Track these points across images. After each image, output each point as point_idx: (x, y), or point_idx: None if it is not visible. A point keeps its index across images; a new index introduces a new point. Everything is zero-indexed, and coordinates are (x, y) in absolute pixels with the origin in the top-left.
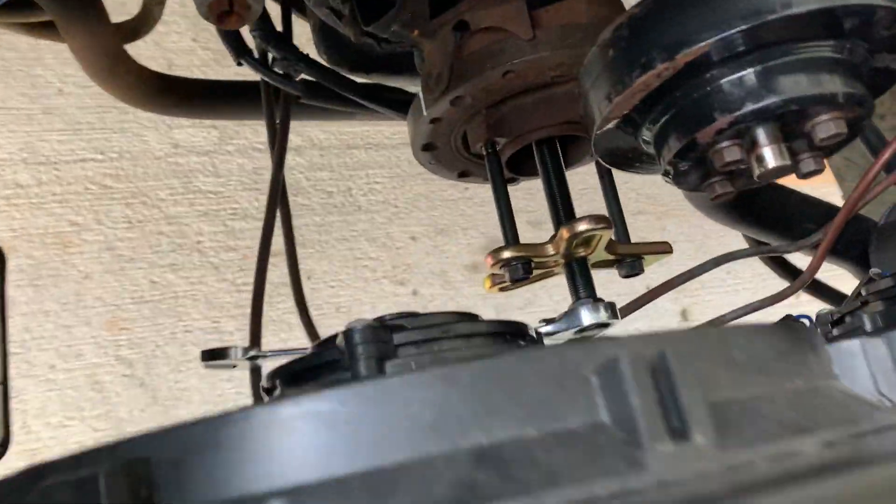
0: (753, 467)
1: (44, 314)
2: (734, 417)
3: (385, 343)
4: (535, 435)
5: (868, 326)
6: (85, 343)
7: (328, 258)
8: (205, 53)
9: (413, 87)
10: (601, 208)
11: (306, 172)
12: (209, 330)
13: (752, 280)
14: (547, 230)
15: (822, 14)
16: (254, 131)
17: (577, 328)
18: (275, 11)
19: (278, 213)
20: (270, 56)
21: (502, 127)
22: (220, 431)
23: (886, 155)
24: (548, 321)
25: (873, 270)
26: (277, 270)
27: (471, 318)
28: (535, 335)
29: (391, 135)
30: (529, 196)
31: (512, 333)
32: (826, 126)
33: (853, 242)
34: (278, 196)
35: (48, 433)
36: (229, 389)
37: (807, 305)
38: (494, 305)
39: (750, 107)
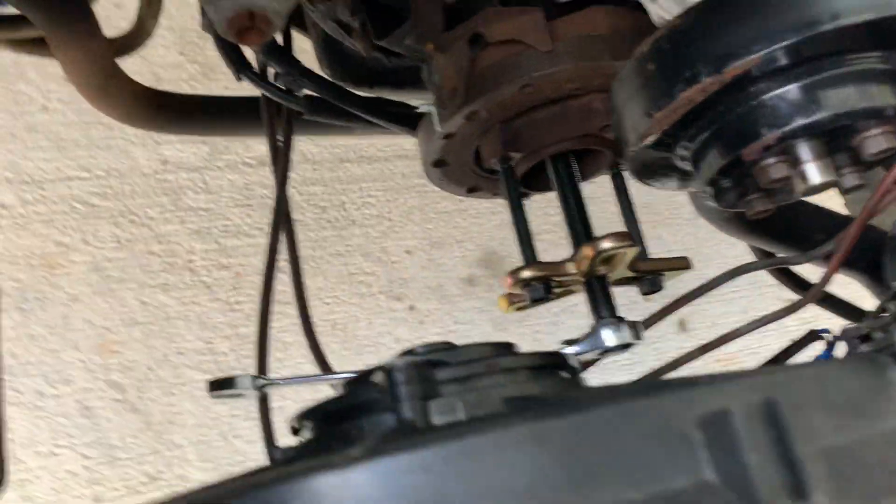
0: None
1: (30, 339)
2: (845, 468)
3: (428, 381)
4: (637, 498)
5: None
6: (74, 368)
7: (323, 274)
8: (193, 67)
9: (416, 100)
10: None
11: (299, 187)
12: (202, 351)
13: (748, 288)
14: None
15: (872, 25)
16: (245, 146)
17: (601, 349)
18: None
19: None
20: (272, 71)
21: (517, 142)
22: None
23: None
24: (570, 342)
25: None
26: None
27: (508, 348)
28: (574, 365)
29: (384, 147)
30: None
31: (554, 365)
32: (876, 141)
33: (863, 252)
34: (282, 217)
35: (37, 462)
36: (224, 412)
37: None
38: (491, 319)
39: (799, 122)
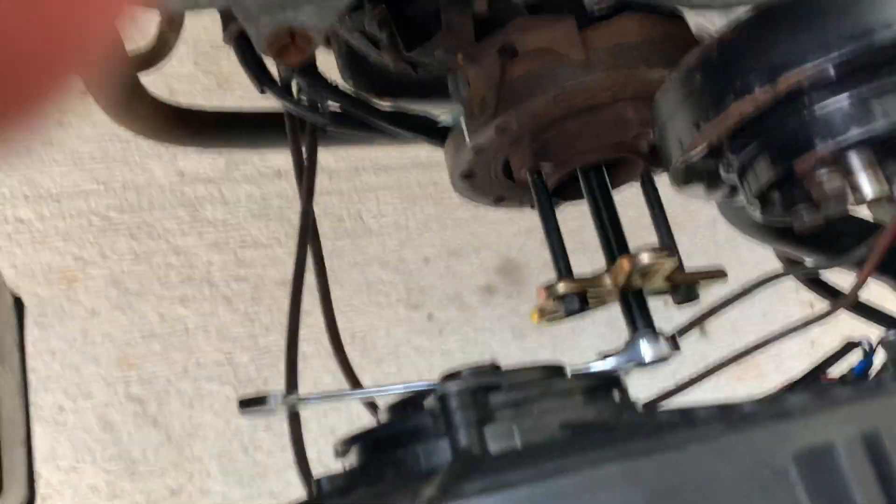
0: None
1: (50, 354)
2: None
3: (482, 407)
4: None
5: None
6: (94, 382)
7: (340, 284)
8: (207, 79)
9: (438, 110)
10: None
11: (315, 197)
12: (222, 363)
13: (768, 291)
14: None
15: None
16: (261, 157)
17: (639, 362)
18: None
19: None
20: (295, 85)
21: (548, 152)
22: None
23: None
24: (606, 355)
25: None
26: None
27: (558, 371)
28: (624, 386)
29: (399, 156)
30: None
31: (608, 387)
32: None
33: (893, 256)
34: (309, 232)
35: (58, 477)
36: (244, 424)
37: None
38: (511, 327)
39: (855, 132)
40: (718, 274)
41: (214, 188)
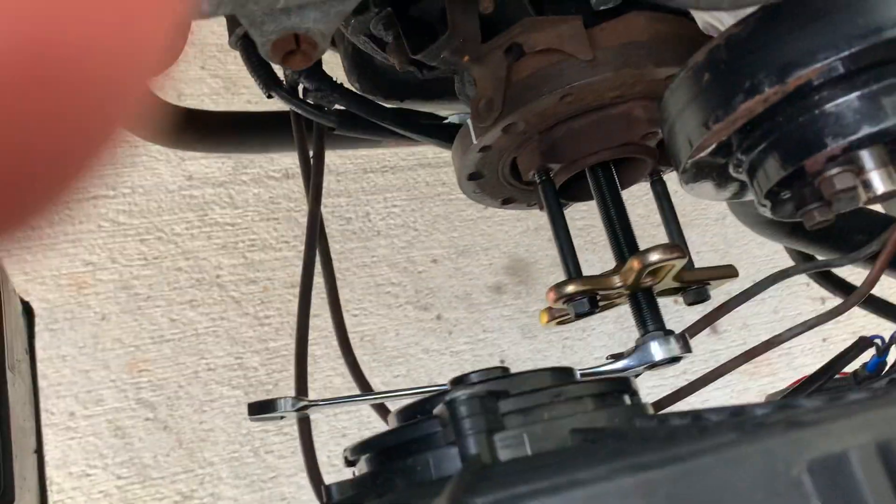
0: None
1: (61, 359)
2: None
3: (492, 414)
4: None
5: None
6: (105, 387)
7: (349, 286)
8: (214, 81)
9: (446, 111)
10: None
11: (323, 199)
12: (233, 367)
13: (779, 287)
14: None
15: None
16: (269, 159)
17: (649, 364)
18: None
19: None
20: (301, 87)
21: (555, 152)
22: None
23: None
24: (616, 356)
25: None
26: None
27: (568, 374)
28: (636, 389)
29: (407, 156)
30: None
31: (619, 391)
32: None
33: None
34: (317, 235)
35: (70, 484)
36: (255, 428)
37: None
38: (520, 327)
39: (867, 130)
40: (729, 273)
41: (223, 191)
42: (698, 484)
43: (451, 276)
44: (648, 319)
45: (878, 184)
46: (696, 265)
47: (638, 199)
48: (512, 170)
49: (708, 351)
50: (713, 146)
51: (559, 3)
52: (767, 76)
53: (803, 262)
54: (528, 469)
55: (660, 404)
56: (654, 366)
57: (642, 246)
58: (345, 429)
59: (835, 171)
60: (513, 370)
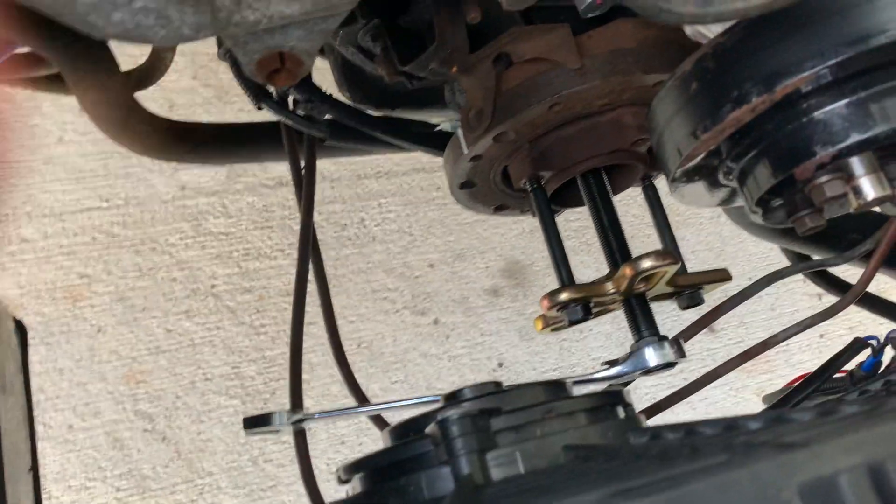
0: None
1: (58, 372)
2: None
3: (484, 432)
4: None
5: None
6: (102, 399)
7: (346, 292)
8: (206, 91)
9: (436, 118)
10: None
11: (318, 206)
12: (230, 376)
13: (773, 285)
14: None
15: None
16: (262, 168)
17: (644, 370)
18: None
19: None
20: (291, 98)
21: (546, 160)
22: None
23: None
24: (611, 363)
25: None
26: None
27: (560, 387)
28: (628, 400)
29: (401, 161)
30: None
31: (612, 404)
32: None
33: None
34: (310, 246)
35: (69, 497)
36: (254, 437)
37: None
38: (517, 329)
39: (856, 137)
40: (722, 276)
41: (217, 200)
42: None
43: (447, 280)
44: (642, 325)
45: (869, 190)
46: (692, 263)
47: (632, 200)
48: (503, 177)
49: (705, 349)
50: (702, 155)
51: (547, 12)
52: (755, 85)
53: (799, 262)
54: (519, 492)
55: (659, 406)
56: (648, 371)
57: (636, 249)
58: (343, 436)
59: (825, 178)
60: (511, 373)
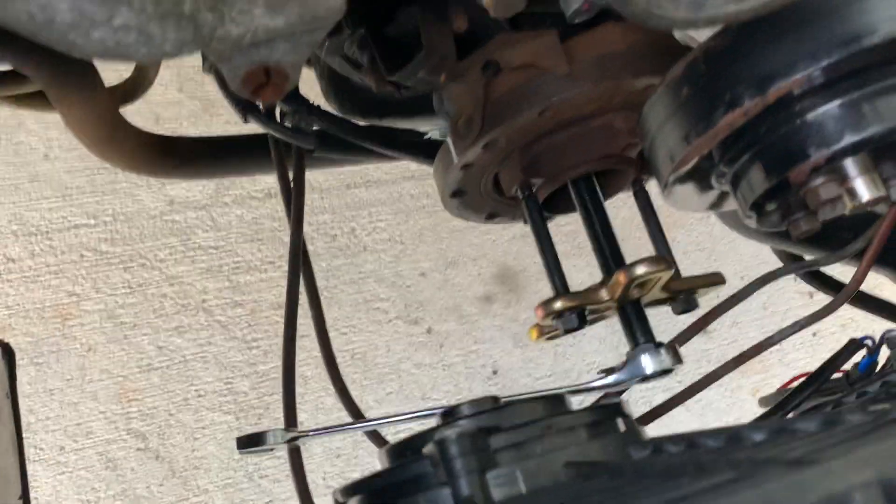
0: None
1: (48, 393)
2: None
3: (483, 451)
4: None
5: None
6: (94, 419)
7: (338, 303)
8: (192, 104)
9: (425, 127)
10: None
11: (308, 217)
12: (223, 392)
13: (765, 286)
14: None
15: None
16: (250, 179)
17: (641, 377)
18: None
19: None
20: (278, 109)
21: (537, 167)
22: None
23: None
24: (607, 371)
25: None
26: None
27: (559, 402)
28: (628, 413)
29: (390, 170)
30: None
31: (611, 417)
32: None
33: (892, 247)
34: (300, 260)
35: None
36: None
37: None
38: (511, 336)
39: (850, 139)
40: (716, 280)
41: (205, 214)
42: None
43: (439, 288)
44: (638, 332)
45: (864, 191)
46: (684, 264)
47: (622, 203)
48: (495, 185)
49: (699, 350)
50: (695, 160)
51: (534, 18)
52: (747, 88)
53: (791, 263)
54: None
55: (655, 412)
56: (646, 379)
57: (627, 252)
58: (339, 449)
59: (819, 180)
60: (506, 380)
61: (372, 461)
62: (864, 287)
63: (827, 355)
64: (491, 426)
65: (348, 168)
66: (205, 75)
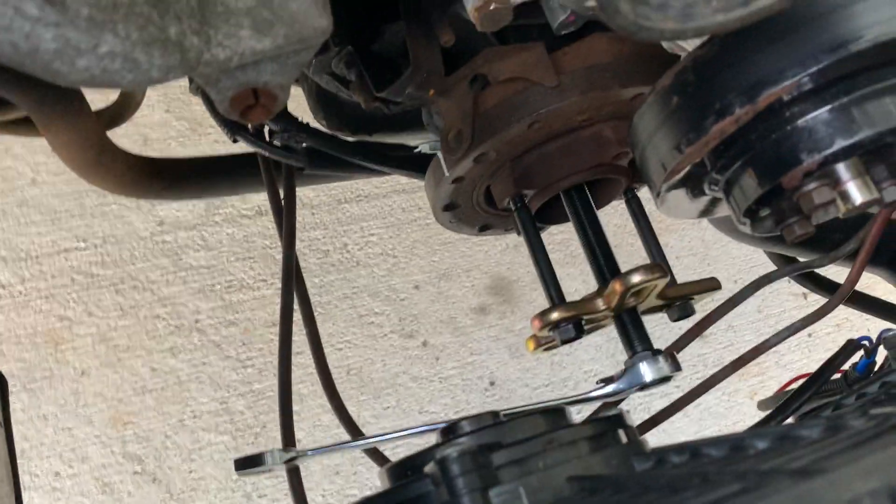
0: None
1: (42, 419)
2: None
3: (485, 468)
4: None
5: None
6: (89, 444)
7: (332, 319)
8: (180, 124)
9: (415, 141)
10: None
11: (299, 233)
12: (219, 412)
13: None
14: None
15: None
16: (240, 198)
17: (640, 386)
18: None
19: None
20: (267, 128)
21: (529, 178)
22: None
23: None
24: (606, 381)
25: None
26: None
27: (560, 415)
28: (630, 423)
29: (380, 184)
30: None
31: (612, 428)
32: None
33: (884, 246)
34: (293, 278)
35: None
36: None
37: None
38: (507, 346)
39: (841, 143)
40: (712, 285)
41: (196, 233)
42: None
43: (434, 300)
44: (635, 340)
45: (856, 195)
46: (678, 269)
47: (613, 210)
48: (486, 197)
49: (695, 355)
50: (687, 169)
51: (520, 31)
52: (737, 96)
53: (785, 265)
54: None
55: (655, 419)
56: (645, 387)
57: (621, 259)
58: (337, 466)
59: (812, 185)
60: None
61: (371, 477)
62: (857, 286)
63: (823, 356)
64: (492, 443)
65: (338, 183)
66: (192, 95)
